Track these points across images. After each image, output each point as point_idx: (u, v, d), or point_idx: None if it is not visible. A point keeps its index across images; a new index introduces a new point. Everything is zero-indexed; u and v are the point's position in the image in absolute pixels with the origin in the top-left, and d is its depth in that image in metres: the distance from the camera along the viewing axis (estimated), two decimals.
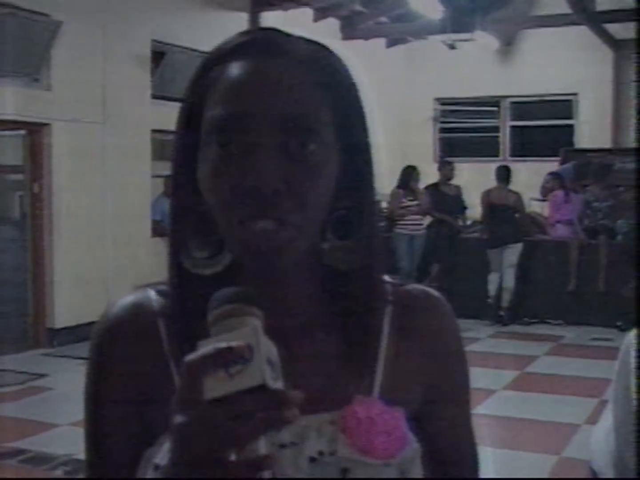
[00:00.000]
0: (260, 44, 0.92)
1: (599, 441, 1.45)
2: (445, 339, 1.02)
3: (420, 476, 0.94)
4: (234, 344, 0.70)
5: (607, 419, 1.44)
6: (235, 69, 0.90)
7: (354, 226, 0.96)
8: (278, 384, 0.71)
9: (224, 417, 0.70)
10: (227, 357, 0.70)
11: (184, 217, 0.96)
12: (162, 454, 0.90)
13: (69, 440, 5.27)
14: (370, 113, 0.97)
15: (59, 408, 6.26)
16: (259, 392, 0.69)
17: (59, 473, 4.92)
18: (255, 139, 0.86)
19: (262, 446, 0.72)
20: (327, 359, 0.95)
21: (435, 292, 1.05)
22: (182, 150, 0.95)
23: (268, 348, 0.72)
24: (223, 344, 0.70)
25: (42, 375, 7.41)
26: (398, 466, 0.91)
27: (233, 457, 0.71)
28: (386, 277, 1.03)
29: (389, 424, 0.91)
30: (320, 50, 0.95)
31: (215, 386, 0.70)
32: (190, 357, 0.72)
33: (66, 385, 6.82)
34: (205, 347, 0.71)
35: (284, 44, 0.92)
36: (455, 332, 1.04)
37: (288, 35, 0.94)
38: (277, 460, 0.73)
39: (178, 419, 0.72)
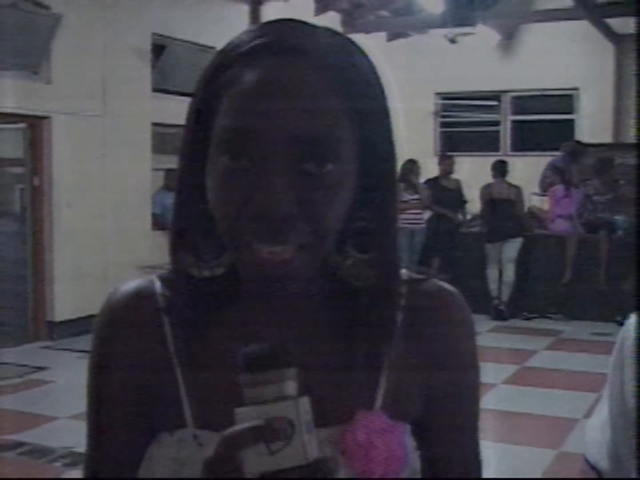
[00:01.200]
0: (279, 46, 0.84)
1: (594, 433, 1.44)
2: (455, 345, 0.99)
3: None
4: (274, 420, 0.69)
5: (602, 411, 1.43)
6: (249, 75, 0.83)
7: (373, 240, 0.93)
8: (314, 447, 0.70)
9: None
10: (268, 434, 0.69)
11: (188, 218, 0.93)
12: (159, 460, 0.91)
13: (68, 433, 5.28)
14: (395, 115, 0.93)
15: (59, 401, 6.27)
16: (300, 467, 0.69)
17: (57, 466, 4.93)
18: (268, 156, 0.81)
19: None
20: (331, 371, 0.93)
21: (452, 292, 1.00)
22: (190, 150, 0.91)
23: (305, 408, 0.71)
24: (262, 421, 0.69)
25: (41, 368, 7.41)
26: None
27: None
28: (404, 273, 0.98)
29: (389, 445, 0.90)
30: (344, 49, 0.88)
31: (256, 461, 0.69)
32: (229, 430, 0.71)
33: (66, 378, 6.83)
34: (245, 421, 0.70)
35: (303, 43, 0.85)
36: (468, 337, 1.01)
37: (310, 30, 0.88)
38: None
39: None
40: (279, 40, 0.85)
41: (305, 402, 0.71)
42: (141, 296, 0.97)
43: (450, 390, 0.98)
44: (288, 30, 0.87)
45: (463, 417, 1.00)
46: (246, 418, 0.70)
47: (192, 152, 0.90)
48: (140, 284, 0.98)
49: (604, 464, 1.39)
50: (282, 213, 0.80)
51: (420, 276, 1.00)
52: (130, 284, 0.98)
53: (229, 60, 0.87)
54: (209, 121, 0.87)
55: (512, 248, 9.75)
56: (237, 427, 0.70)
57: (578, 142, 11.75)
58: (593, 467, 1.41)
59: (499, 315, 9.79)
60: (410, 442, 0.93)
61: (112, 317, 0.97)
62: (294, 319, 0.93)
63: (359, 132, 0.87)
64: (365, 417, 0.90)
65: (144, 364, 0.94)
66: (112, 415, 0.97)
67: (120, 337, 0.96)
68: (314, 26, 0.89)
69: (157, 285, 0.97)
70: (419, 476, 0.94)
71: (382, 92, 0.91)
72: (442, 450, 0.99)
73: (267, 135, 0.81)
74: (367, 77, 0.89)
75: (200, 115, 0.89)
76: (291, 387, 0.72)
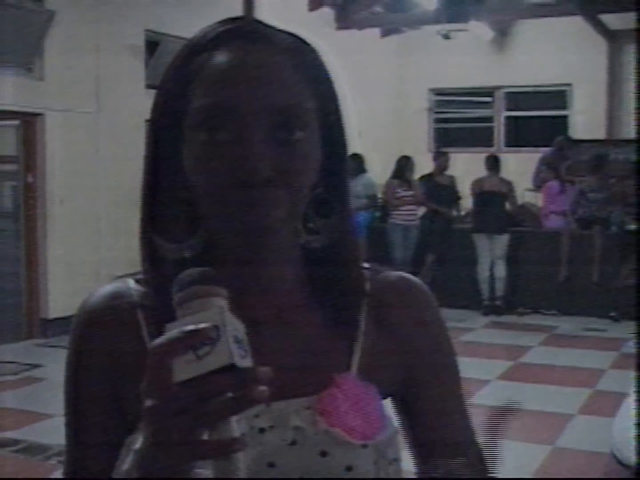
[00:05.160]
0: (243, 32, 0.93)
1: (622, 430, 1.44)
2: (422, 322, 1.03)
3: (397, 457, 0.96)
4: (200, 326, 0.71)
5: (629, 408, 1.43)
6: (221, 57, 0.91)
7: (331, 206, 0.99)
8: (247, 362, 0.72)
9: (193, 399, 0.70)
10: (194, 339, 0.70)
11: (156, 203, 0.96)
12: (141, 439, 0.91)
13: (63, 431, 5.26)
14: (343, 101, 1.00)
15: (53, 398, 6.24)
16: (227, 372, 0.70)
17: (53, 463, 4.92)
18: (245, 128, 0.87)
19: (234, 427, 0.72)
20: (305, 342, 0.97)
21: (412, 277, 1.06)
22: (157, 137, 0.95)
23: (235, 326, 0.73)
24: (189, 327, 0.71)
25: (36, 366, 7.41)
26: (375, 447, 0.92)
27: (206, 437, 0.72)
28: (364, 265, 1.04)
29: (366, 406, 0.92)
30: (299, 42, 0.97)
31: (184, 369, 0.70)
32: (157, 341, 0.72)
33: (60, 376, 6.71)
34: (172, 331, 0.72)
35: (266, 32, 0.94)
36: (433, 314, 1.05)
37: (268, 25, 0.96)
38: (246, 442, 0.73)
39: (149, 402, 0.73)
40: (242, 28, 0.94)
41: (235, 320, 0.73)
42: (116, 295, 0.99)
43: (424, 370, 1.02)
44: (250, 21, 0.97)
45: (444, 388, 1.04)
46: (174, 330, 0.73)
47: (162, 140, 0.94)
48: (116, 285, 1.01)
49: (632, 459, 1.39)
50: (262, 177, 0.86)
51: (381, 268, 1.06)
52: (106, 286, 1.01)
53: (197, 48, 0.93)
54: (179, 108, 0.92)
55: (500, 243, 9.77)
56: (163, 337, 0.72)
57: (567, 137, 11.79)
58: (621, 463, 1.42)
59: (491, 311, 9.80)
60: (385, 412, 0.96)
61: (89, 316, 0.99)
62: (270, 298, 0.97)
63: (317, 109, 0.94)
64: (343, 381, 0.93)
65: (121, 360, 0.96)
66: (91, 414, 0.99)
67: (98, 335, 0.98)
68: (269, 24, 0.97)
69: (132, 284, 1.00)
70: (397, 440, 0.96)
71: (331, 79, 0.99)
72: (428, 423, 1.02)
73: (243, 108, 0.88)
74: (319, 64, 0.98)
75: (170, 105, 0.93)
76: (217, 301, 0.75)
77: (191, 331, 0.70)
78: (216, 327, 0.71)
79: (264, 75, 0.89)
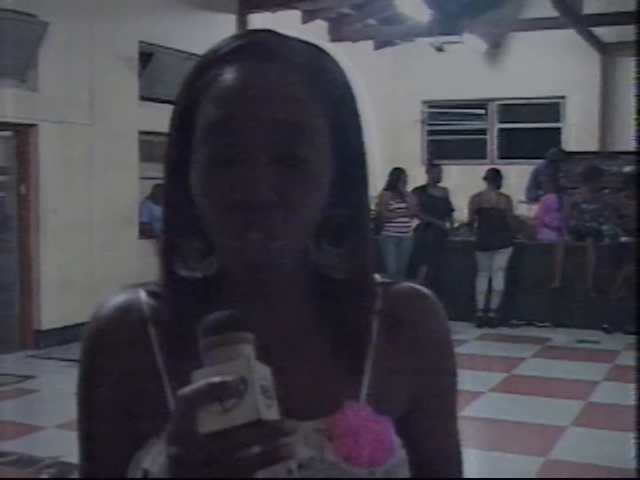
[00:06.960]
0: (255, 48, 0.90)
1: None
2: (433, 341, 1.01)
3: None
4: (227, 378, 0.70)
5: None
6: (229, 74, 0.88)
7: (347, 233, 0.96)
8: (273, 412, 0.71)
9: (219, 451, 0.70)
10: (221, 392, 0.70)
11: (176, 220, 0.95)
12: (151, 458, 0.90)
13: (54, 443, 5.25)
14: (364, 117, 0.96)
15: (45, 410, 6.24)
16: (254, 425, 0.70)
17: (44, 476, 4.90)
18: (248, 148, 0.85)
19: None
20: (315, 367, 0.95)
21: (425, 291, 1.03)
22: (174, 153, 0.94)
23: (261, 374, 0.72)
24: (216, 379, 0.70)
25: (28, 377, 7.38)
26: (385, 472, 0.91)
27: None
28: (376, 277, 1.02)
29: (376, 433, 0.91)
30: (316, 54, 0.94)
31: (210, 420, 0.70)
32: (184, 390, 0.72)
33: (52, 387, 6.80)
34: (199, 381, 0.71)
35: (279, 48, 0.90)
36: (444, 333, 1.03)
37: (283, 37, 0.93)
38: None
39: (173, 450, 0.72)
40: (254, 44, 0.91)
41: (261, 367, 0.73)
42: (127, 308, 0.98)
43: (430, 390, 1.01)
44: (262, 36, 0.92)
45: (445, 409, 1.04)
46: (201, 379, 0.72)
47: (176, 157, 0.93)
48: (127, 296, 1.00)
49: None
50: (262, 200, 0.84)
51: (393, 279, 1.04)
52: (117, 297, 1.00)
53: (207, 64, 0.92)
54: (190, 124, 0.90)
55: (502, 257, 9.76)
56: (191, 386, 0.71)
57: (560, 149, 11.84)
58: None
59: (486, 323, 9.80)
60: (395, 438, 0.94)
61: (99, 329, 0.98)
62: (280, 320, 0.95)
63: (331, 129, 0.91)
64: (355, 406, 0.92)
65: (131, 375, 0.95)
66: (102, 426, 0.98)
67: (107, 349, 0.97)
68: (286, 35, 0.94)
69: (143, 296, 0.99)
70: (406, 467, 0.94)
71: (351, 94, 0.96)
72: (425, 444, 1.01)
73: (247, 127, 0.85)
74: (337, 79, 0.94)
75: (182, 121, 0.92)
76: (245, 349, 0.74)
77: (218, 384, 0.70)
78: (243, 380, 0.70)
79: (270, 94, 0.86)
